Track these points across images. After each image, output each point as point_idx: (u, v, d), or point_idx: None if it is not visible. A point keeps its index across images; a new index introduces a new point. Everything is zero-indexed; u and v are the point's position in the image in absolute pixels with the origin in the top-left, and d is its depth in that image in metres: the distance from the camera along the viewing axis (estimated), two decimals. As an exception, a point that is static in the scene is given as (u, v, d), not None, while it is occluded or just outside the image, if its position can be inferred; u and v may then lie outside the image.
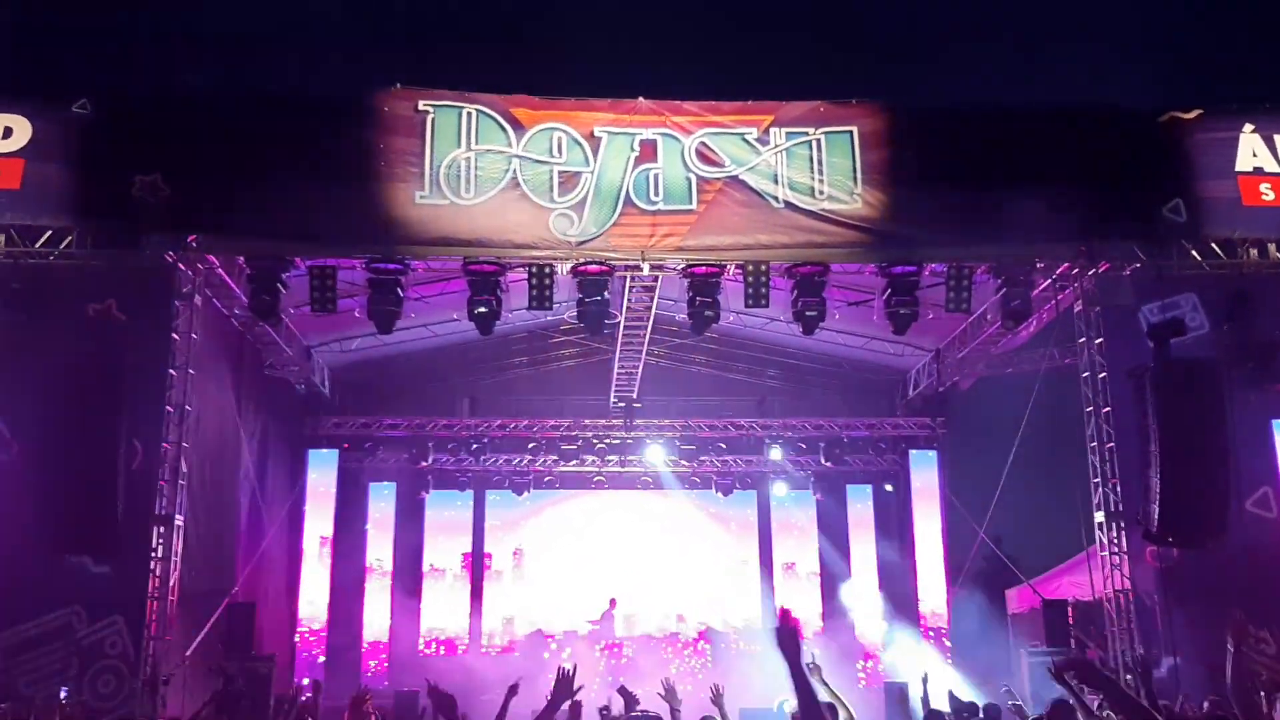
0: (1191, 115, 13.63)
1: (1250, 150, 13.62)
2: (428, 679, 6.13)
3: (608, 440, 20.21)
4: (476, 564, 20.90)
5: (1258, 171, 13.56)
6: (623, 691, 6.27)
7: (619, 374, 18.58)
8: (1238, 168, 13.54)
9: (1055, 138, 13.51)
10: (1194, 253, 14.03)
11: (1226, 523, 12.72)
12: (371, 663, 19.36)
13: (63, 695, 10.79)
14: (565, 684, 5.17)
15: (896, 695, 15.69)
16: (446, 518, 20.94)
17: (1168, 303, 13.60)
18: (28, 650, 12.13)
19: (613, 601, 19.71)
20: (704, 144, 13.19)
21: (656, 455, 20.13)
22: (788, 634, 3.77)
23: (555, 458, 20.24)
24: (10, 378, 12.57)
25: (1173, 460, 12.61)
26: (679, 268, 13.52)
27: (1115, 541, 13.54)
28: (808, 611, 20.63)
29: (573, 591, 20.42)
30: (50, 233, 13.14)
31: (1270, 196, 13.52)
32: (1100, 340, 13.92)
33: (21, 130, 12.74)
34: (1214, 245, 13.97)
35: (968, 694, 10.90)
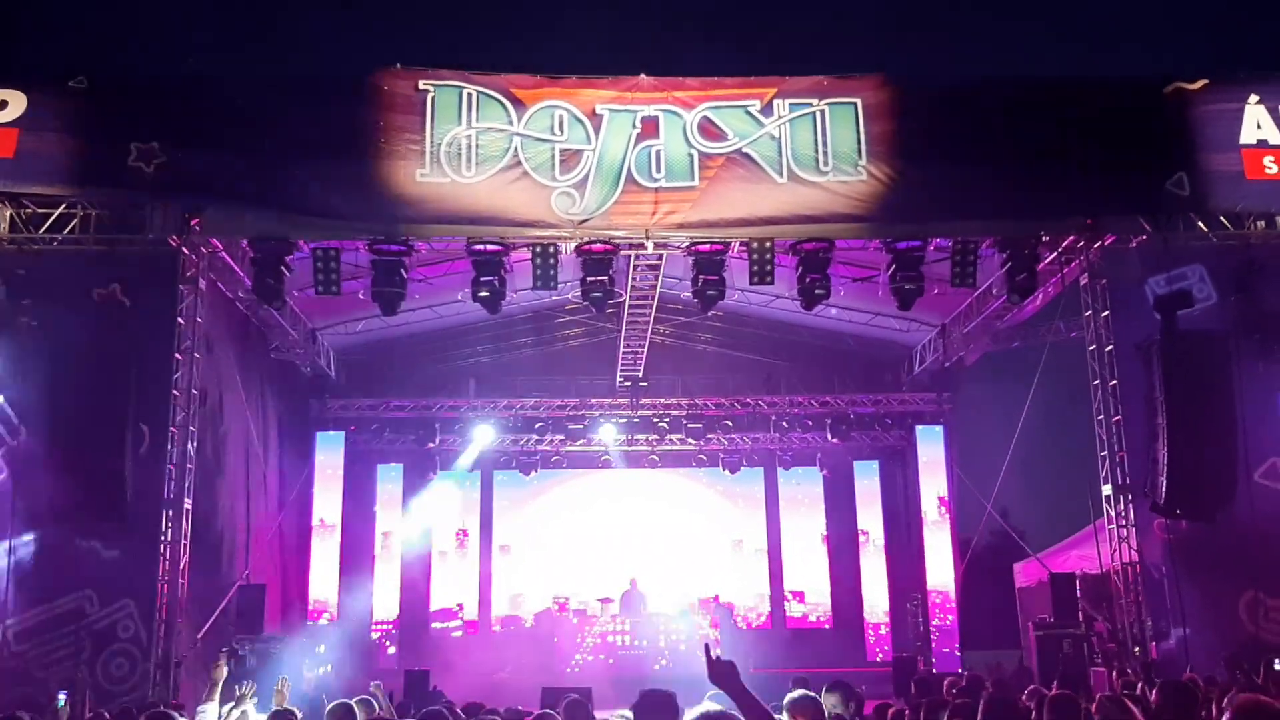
0: (1197, 86, 13.46)
1: (1255, 122, 13.41)
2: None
3: (614, 419, 20.23)
4: (485, 544, 21.00)
5: (1262, 144, 13.34)
6: None
7: (625, 353, 18.56)
8: (1241, 140, 13.32)
9: (1060, 110, 13.35)
10: (1200, 224, 13.93)
11: (1234, 494, 12.71)
12: (388, 644, 19.51)
13: (61, 699, 10.79)
14: None
15: (905, 668, 15.78)
16: (454, 498, 21.03)
17: (1174, 274, 13.47)
18: (41, 634, 12.15)
19: (633, 581, 19.64)
20: (706, 118, 13.06)
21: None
22: (721, 671, 3.84)
23: (562, 437, 20.25)
24: (17, 363, 12.55)
25: (1180, 432, 12.58)
26: (683, 245, 13.47)
27: (1123, 514, 13.54)
28: (815, 586, 20.80)
29: (581, 569, 20.50)
30: (53, 218, 13.11)
31: (1274, 170, 13.25)
32: (1106, 313, 13.87)
33: (16, 103, 12.53)
34: (1221, 217, 13.88)
35: None
